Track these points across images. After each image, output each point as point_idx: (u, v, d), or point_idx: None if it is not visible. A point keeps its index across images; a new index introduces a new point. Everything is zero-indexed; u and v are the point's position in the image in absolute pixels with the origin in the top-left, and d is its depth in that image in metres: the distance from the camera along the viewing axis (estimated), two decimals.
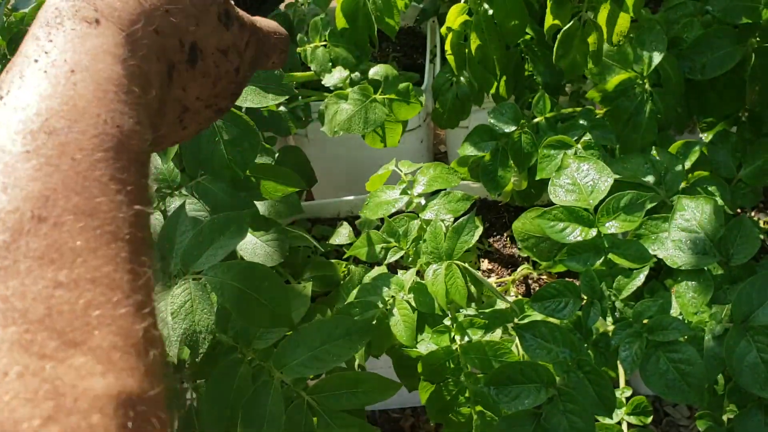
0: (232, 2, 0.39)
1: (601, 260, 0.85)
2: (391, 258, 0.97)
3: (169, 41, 0.33)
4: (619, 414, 0.95)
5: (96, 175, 0.25)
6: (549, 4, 0.94)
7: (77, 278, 0.23)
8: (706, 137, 1.05)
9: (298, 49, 1.19)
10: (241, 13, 0.40)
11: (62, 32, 0.29)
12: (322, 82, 1.16)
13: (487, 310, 0.91)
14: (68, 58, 0.28)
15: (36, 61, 0.28)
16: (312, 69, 1.17)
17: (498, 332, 0.91)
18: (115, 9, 0.31)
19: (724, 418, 0.85)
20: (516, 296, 1.34)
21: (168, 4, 0.33)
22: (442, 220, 0.92)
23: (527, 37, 1.10)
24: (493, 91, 1.13)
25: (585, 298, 0.84)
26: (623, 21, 0.96)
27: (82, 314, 0.22)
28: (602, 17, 0.95)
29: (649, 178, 0.92)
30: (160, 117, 0.33)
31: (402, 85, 1.07)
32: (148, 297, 0.25)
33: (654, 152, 0.95)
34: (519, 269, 1.36)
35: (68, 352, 0.22)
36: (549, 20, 0.96)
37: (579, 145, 0.96)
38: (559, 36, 0.95)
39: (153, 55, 0.32)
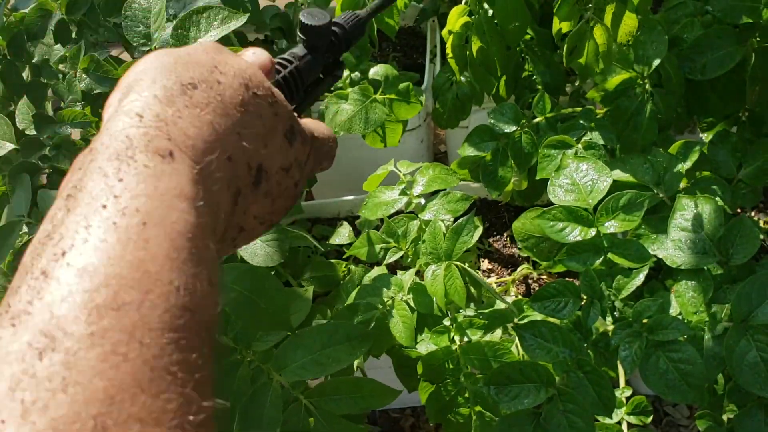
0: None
1: (600, 260, 0.85)
2: (391, 258, 0.97)
3: (239, 167, 0.31)
4: (619, 414, 0.95)
5: (165, 363, 0.22)
6: (555, 6, 0.94)
7: None
8: (707, 137, 1.05)
9: None
10: (302, 122, 0.38)
11: (133, 169, 0.26)
12: None
13: (486, 311, 0.91)
14: (140, 207, 0.25)
15: (104, 207, 0.25)
16: None
17: (498, 332, 0.91)
18: (189, 137, 0.29)
19: (724, 417, 0.85)
20: (516, 296, 1.34)
21: (240, 128, 0.31)
22: (442, 221, 0.92)
23: (527, 37, 1.10)
24: (493, 91, 1.13)
25: (585, 297, 0.84)
26: (631, 21, 0.96)
27: None
28: (608, 17, 0.95)
29: (649, 178, 0.92)
30: (219, 244, 0.30)
31: (402, 85, 1.07)
32: None
33: (654, 152, 0.95)
34: (519, 269, 1.36)
35: None
36: (556, 24, 0.97)
37: (579, 145, 0.96)
38: (568, 37, 0.95)
39: (224, 185, 0.30)
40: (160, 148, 0.28)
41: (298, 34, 0.42)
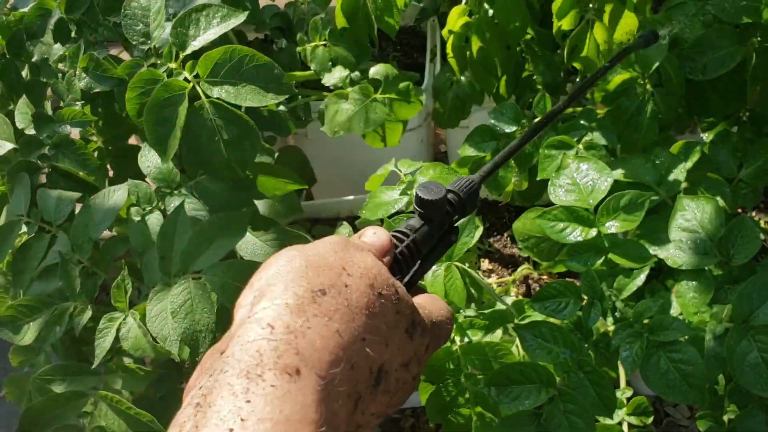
0: (403, 287, 0.37)
1: (601, 260, 0.85)
2: None
3: (361, 374, 0.32)
4: (620, 414, 0.95)
5: None
6: (556, 5, 0.95)
7: None
8: (707, 137, 1.05)
9: (298, 49, 1.19)
10: (419, 302, 0.38)
11: (261, 389, 0.27)
12: (322, 82, 1.16)
13: (486, 311, 0.91)
14: (253, 426, 0.26)
15: (231, 430, 0.26)
16: (312, 68, 1.17)
17: (498, 333, 0.91)
18: (316, 350, 0.30)
19: (725, 418, 0.85)
20: (516, 296, 1.34)
21: (365, 333, 0.32)
22: None
23: (527, 37, 1.10)
24: (493, 90, 1.13)
25: (585, 298, 0.84)
26: (630, 20, 0.96)
27: None
28: (606, 17, 0.95)
29: (650, 178, 0.92)
30: None
31: (402, 85, 1.07)
32: None
33: (655, 152, 0.95)
34: (519, 269, 1.36)
35: None
36: (557, 23, 0.97)
37: (580, 146, 0.96)
38: (569, 37, 0.95)
39: (345, 395, 0.30)
40: (289, 365, 0.28)
41: (415, 207, 0.42)
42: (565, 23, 0.97)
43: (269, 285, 0.32)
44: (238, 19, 0.86)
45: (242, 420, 0.26)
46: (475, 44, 1.03)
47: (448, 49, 1.08)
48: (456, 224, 0.45)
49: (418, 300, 0.39)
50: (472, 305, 0.92)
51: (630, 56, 0.98)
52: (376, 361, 0.32)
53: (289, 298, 0.31)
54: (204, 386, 0.28)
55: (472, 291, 0.89)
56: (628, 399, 0.97)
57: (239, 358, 0.29)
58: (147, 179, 0.99)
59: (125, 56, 1.24)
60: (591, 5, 0.95)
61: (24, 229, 0.99)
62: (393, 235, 0.42)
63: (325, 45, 1.16)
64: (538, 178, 0.98)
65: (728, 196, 0.92)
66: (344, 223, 1.16)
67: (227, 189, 0.92)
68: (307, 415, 0.27)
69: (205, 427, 0.26)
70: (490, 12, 1.00)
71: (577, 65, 1.00)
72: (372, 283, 0.34)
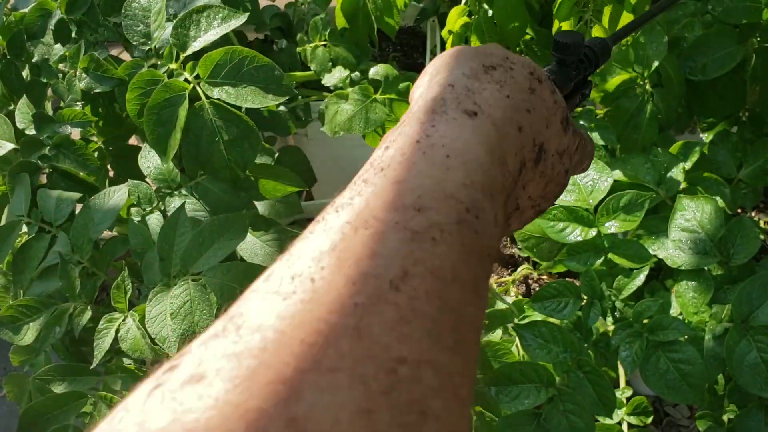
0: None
1: (601, 260, 0.85)
2: None
3: (526, 139, 0.35)
4: (620, 414, 0.95)
5: (454, 260, 0.26)
6: (555, 8, 0.94)
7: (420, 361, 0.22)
8: (707, 137, 1.05)
9: (298, 49, 1.19)
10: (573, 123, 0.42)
11: (444, 120, 0.32)
12: (322, 82, 1.16)
13: (486, 311, 0.91)
14: (446, 144, 0.30)
15: (417, 141, 0.30)
16: (312, 69, 1.17)
17: (498, 333, 0.91)
18: (490, 105, 0.34)
19: (725, 418, 0.85)
20: (516, 296, 1.34)
21: (530, 105, 0.36)
22: None
23: (527, 37, 1.10)
24: None
25: (585, 298, 0.84)
26: (627, 20, 0.96)
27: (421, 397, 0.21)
28: (605, 18, 0.95)
29: (650, 178, 0.92)
30: (503, 228, 0.34)
31: (402, 85, 1.07)
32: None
33: (654, 152, 0.95)
34: (519, 269, 1.36)
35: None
36: (556, 25, 0.97)
37: None
38: None
39: (513, 150, 0.34)
40: (468, 109, 0.33)
41: (552, 53, 0.46)
42: (565, 26, 0.97)
43: (444, 63, 0.37)
44: (239, 20, 0.86)
45: (427, 135, 0.31)
46: (475, 44, 1.03)
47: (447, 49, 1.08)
48: (589, 79, 0.48)
49: None
50: None
51: (630, 56, 0.98)
52: (538, 135, 0.36)
53: (465, 69, 0.36)
54: (396, 132, 0.32)
55: None
56: (628, 399, 0.97)
57: (426, 102, 0.33)
58: (147, 180, 0.99)
59: (126, 57, 1.24)
60: (589, 6, 0.95)
61: (24, 229, 0.99)
62: None
63: (325, 45, 1.16)
64: None
65: (728, 196, 0.92)
66: None
67: (227, 189, 0.92)
68: (483, 140, 0.31)
69: (396, 144, 0.31)
70: (490, 12, 1.00)
71: None
72: (532, 71, 0.38)
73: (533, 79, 0.37)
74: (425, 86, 0.36)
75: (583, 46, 0.46)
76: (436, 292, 0.24)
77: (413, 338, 0.22)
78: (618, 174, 0.91)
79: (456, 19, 1.04)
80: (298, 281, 0.23)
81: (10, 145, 1.10)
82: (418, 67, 1.57)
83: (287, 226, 1.05)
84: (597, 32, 0.97)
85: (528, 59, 0.40)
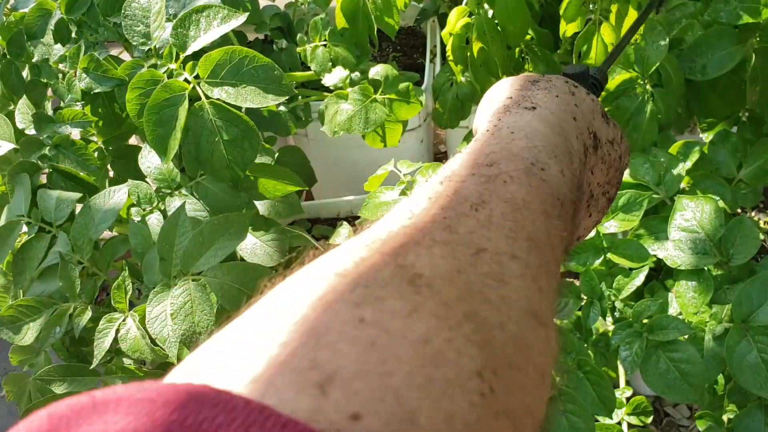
0: None
1: (600, 260, 0.85)
2: None
3: (582, 127, 0.41)
4: (620, 414, 0.95)
5: (523, 194, 0.31)
6: (562, 9, 0.95)
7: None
8: (707, 137, 1.05)
9: (298, 49, 1.19)
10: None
11: (508, 114, 0.39)
12: (322, 82, 1.16)
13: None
14: (510, 125, 0.37)
15: (487, 131, 0.37)
16: (312, 69, 1.17)
17: None
18: (545, 101, 0.41)
19: (724, 417, 0.85)
20: None
21: (576, 101, 0.42)
22: None
23: (527, 37, 1.10)
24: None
25: (585, 297, 0.84)
26: (633, 18, 0.96)
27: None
28: (612, 17, 0.95)
29: (649, 178, 0.92)
30: (579, 192, 0.39)
31: (402, 85, 1.07)
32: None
33: (654, 152, 0.95)
34: None
35: None
36: (563, 26, 0.97)
37: None
38: (577, 39, 0.95)
39: (574, 133, 0.40)
40: (527, 106, 0.40)
41: None
42: (572, 27, 0.97)
43: (496, 90, 0.44)
44: (239, 19, 0.86)
45: (495, 126, 0.38)
46: (476, 45, 1.03)
47: (448, 52, 1.08)
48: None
49: None
50: None
51: (630, 56, 0.98)
52: (590, 124, 0.42)
53: (516, 86, 0.43)
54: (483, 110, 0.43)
55: None
56: (628, 398, 0.97)
57: (490, 113, 0.40)
58: (147, 180, 0.99)
59: (126, 57, 1.24)
60: (595, 5, 0.95)
61: (24, 229, 0.99)
62: None
63: (325, 45, 1.16)
64: None
65: (727, 196, 0.92)
66: (344, 223, 1.16)
67: (227, 189, 0.92)
68: (539, 125, 0.37)
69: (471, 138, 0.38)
70: (491, 13, 1.00)
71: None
72: (567, 80, 0.44)
73: (570, 85, 0.44)
74: (485, 108, 0.43)
75: (590, 76, 0.51)
76: (509, 214, 0.30)
77: (491, 238, 0.28)
78: None
79: (457, 20, 1.04)
80: (407, 212, 0.29)
81: (10, 145, 1.11)
82: (418, 67, 1.57)
83: (287, 226, 1.05)
84: (605, 30, 0.97)
85: (561, 76, 0.47)
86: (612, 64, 0.56)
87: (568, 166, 0.37)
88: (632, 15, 0.95)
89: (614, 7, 0.94)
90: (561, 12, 0.93)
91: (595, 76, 0.52)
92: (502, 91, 0.44)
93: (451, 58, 1.09)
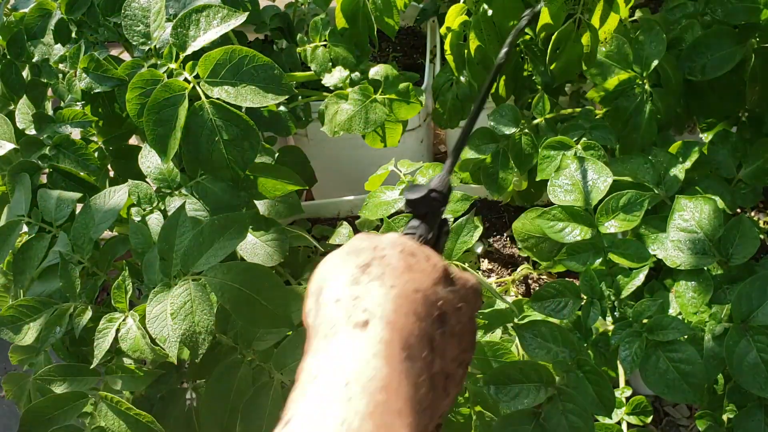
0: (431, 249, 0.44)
1: (600, 260, 0.85)
2: None
3: (424, 318, 0.37)
4: (619, 414, 0.95)
5: None
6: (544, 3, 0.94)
7: None
8: (706, 137, 1.05)
9: (298, 49, 1.19)
10: (454, 271, 0.44)
11: (335, 342, 0.33)
12: (322, 82, 1.16)
13: (486, 310, 0.91)
14: (342, 370, 0.32)
15: (315, 377, 0.32)
16: (312, 69, 1.17)
17: (498, 332, 0.91)
18: (380, 305, 0.35)
19: (724, 417, 0.85)
20: (516, 296, 1.34)
21: (415, 284, 0.38)
22: None
23: (526, 37, 1.10)
24: (492, 91, 1.13)
25: (585, 297, 0.84)
26: (613, 21, 0.95)
27: None
28: (596, 18, 0.95)
29: (649, 178, 0.92)
30: (431, 392, 0.35)
31: (402, 85, 1.07)
32: None
33: (654, 152, 0.95)
34: (519, 269, 1.37)
35: None
36: (543, 20, 0.96)
37: (579, 146, 0.96)
38: (553, 37, 0.95)
39: (417, 339, 0.35)
40: (359, 321, 0.34)
41: (407, 209, 0.50)
42: (553, 23, 0.96)
43: (324, 279, 0.39)
44: (239, 19, 0.86)
45: (322, 368, 0.32)
46: (473, 43, 1.03)
47: (446, 47, 1.08)
48: (444, 217, 0.52)
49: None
50: None
51: (629, 56, 0.98)
52: (433, 306, 0.38)
53: (344, 278, 0.38)
54: (304, 363, 0.34)
55: None
56: (628, 398, 0.97)
57: (319, 327, 0.36)
58: (147, 180, 0.99)
59: (126, 57, 1.24)
60: (578, 5, 0.94)
61: (25, 229, 0.99)
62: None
63: (325, 45, 1.16)
64: (537, 179, 0.98)
65: (727, 196, 0.92)
66: (344, 223, 1.16)
67: (227, 189, 0.93)
68: (376, 348, 0.33)
69: (299, 381, 0.32)
70: (489, 12, 1.00)
71: (555, 70, 1.00)
72: (402, 249, 0.40)
73: (407, 256, 0.39)
74: (314, 309, 0.38)
75: (431, 193, 0.49)
76: None
77: None
78: (617, 174, 0.91)
79: (454, 17, 1.04)
80: None
81: (11, 145, 1.11)
82: (418, 67, 1.57)
83: (287, 225, 1.06)
84: (585, 33, 0.96)
85: (395, 238, 0.42)
86: (453, 169, 0.55)
87: (414, 394, 0.33)
88: (613, 18, 0.94)
89: (598, 9, 0.93)
90: (548, 11, 0.93)
91: (437, 190, 0.50)
92: (328, 281, 0.38)
93: (448, 53, 1.09)
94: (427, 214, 0.49)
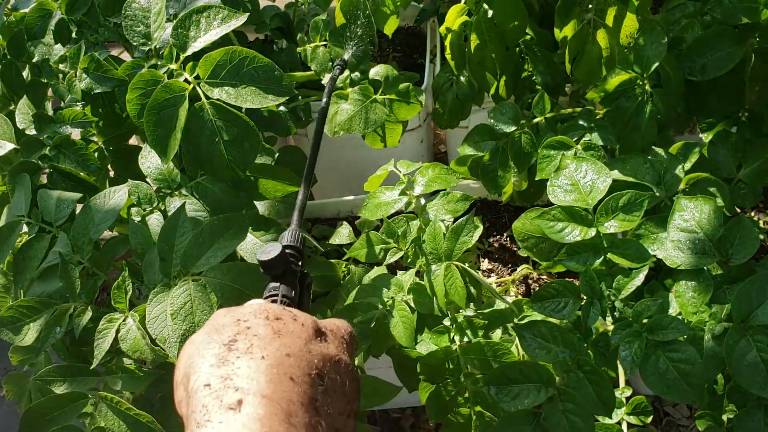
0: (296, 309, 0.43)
1: (600, 260, 0.85)
2: (391, 259, 0.97)
3: (302, 381, 0.36)
4: (619, 414, 0.95)
5: None
6: (556, 13, 0.94)
7: None
8: (706, 137, 1.05)
9: (299, 49, 1.19)
10: (324, 322, 0.43)
11: (210, 430, 0.32)
12: (322, 82, 1.16)
13: (486, 311, 0.91)
14: None
15: None
16: (312, 69, 1.17)
17: (498, 332, 0.91)
18: (252, 378, 0.34)
19: (724, 417, 0.85)
20: (516, 296, 1.34)
21: (285, 348, 0.37)
22: (442, 221, 0.92)
23: (527, 37, 1.10)
24: (492, 91, 1.13)
25: (584, 297, 0.84)
26: (631, 22, 0.95)
27: None
28: (609, 19, 0.95)
29: (649, 178, 0.92)
30: None
31: (402, 85, 1.07)
32: None
33: (654, 153, 0.95)
34: (519, 269, 1.37)
35: None
36: (558, 33, 0.97)
37: (579, 146, 0.96)
38: (569, 41, 0.95)
39: (299, 403, 0.34)
40: (231, 402, 0.33)
41: (264, 272, 0.49)
42: (568, 29, 0.96)
43: (189, 364, 0.38)
44: (239, 20, 0.86)
45: None
46: (474, 43, 1.03)
47: (447, 47, 1.08)
48: (304, 269, 0.52)
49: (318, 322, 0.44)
50: (471, 305, 0.92)
51: (629, 57, 0.98)
52: (309, 364, 0.37)
53: (210, 360, 0.36)
54: None
55: (472, 290, 0.89)
56: (628, 398, 0.97)
57: (193, 414, 0.34)
58: (147, 180, 0.99)
59: (126, 57, 1.24)
60: (591, 5, 0.95)
61: (25, 229, 0.99)
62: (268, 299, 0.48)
63: (325, 45, 1.16)
64: (537, 179, 0.98)
65: (727, 196, 0.92)
66: (344, 223, 1.17)
67: (227, 189, 0.93)
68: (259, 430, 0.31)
69: None
70: (489, 12, 1.00)
71: (578, 76, 1.00)
72: (266, 315, 0.39)
73: (272, 322, 0.39)
74: (185, 399, 0.37)
75: (284, 251, 0.49)
76: None
77: None
78: (617, 174, 0.91)
79: (455, 17, 1.04)
80: None
81: (11, 145, 1.11)
82: (418, 67, 1.57)
83: (287, 226, 1.05)
84: (601, 35, 0.97)
85: (256, 306, 0.41)
86: (301, 222, 0.56)
87: None
88: (629, 18, 0.95)
89: (611, 10, 0.94)
90: (556, 10, 0.93)
91: (290, 246, 0.50)
92: (195, 366, 0.37)
93: (448, 53, 1.09)
94: (285, 272, 0.48)
